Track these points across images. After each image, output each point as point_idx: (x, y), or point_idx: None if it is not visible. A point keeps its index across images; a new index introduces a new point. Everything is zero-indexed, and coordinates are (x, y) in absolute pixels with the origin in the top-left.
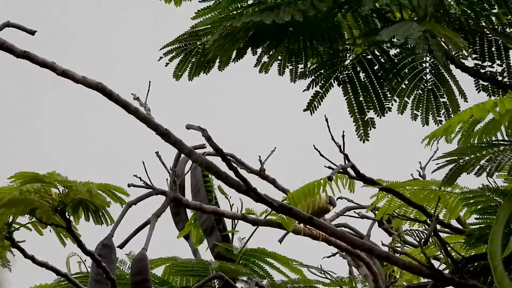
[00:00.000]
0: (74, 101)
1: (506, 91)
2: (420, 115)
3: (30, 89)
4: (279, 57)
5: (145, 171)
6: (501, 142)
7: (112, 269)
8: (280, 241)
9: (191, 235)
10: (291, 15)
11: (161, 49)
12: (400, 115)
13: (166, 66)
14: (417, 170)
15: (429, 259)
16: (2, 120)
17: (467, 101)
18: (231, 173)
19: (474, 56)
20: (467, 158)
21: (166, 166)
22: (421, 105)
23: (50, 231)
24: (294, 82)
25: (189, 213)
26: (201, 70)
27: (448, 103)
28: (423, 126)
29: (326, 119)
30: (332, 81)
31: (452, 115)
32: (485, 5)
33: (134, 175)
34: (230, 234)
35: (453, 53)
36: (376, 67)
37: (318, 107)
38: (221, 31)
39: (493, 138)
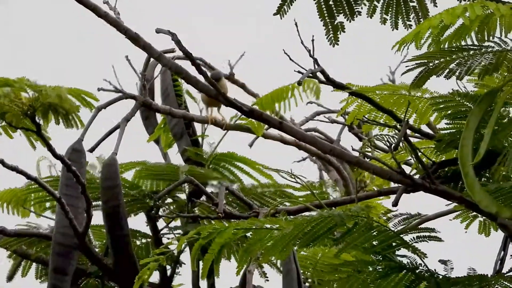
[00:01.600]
0: (45, 5)
1: None
2: (390, 19)
3: None
4: None
5: (115, 75)
6: (471, 47)
7: (82, 173)
8: (250, 145)
9: (161, 139)
10: None
11: None
12: (370, 19)
13: None
14: (386, 75)
15: (399, 164)
16: None
17: (436, 6)
18: (200, 78)
19: None
20: (436, 61)
21: (136, 71)
22: (390, 9)
23: (20, 135)
24: None
25: (159, 117)
26: None
27: (417, 8)
28: (392, 30)
29: (296, 24)
30: None
31: (421, 20)
32: None
33: (103, 80)
34: (200, 139)
35: None
36: None
37: (287, 11)
38: None
39: (463, 43)
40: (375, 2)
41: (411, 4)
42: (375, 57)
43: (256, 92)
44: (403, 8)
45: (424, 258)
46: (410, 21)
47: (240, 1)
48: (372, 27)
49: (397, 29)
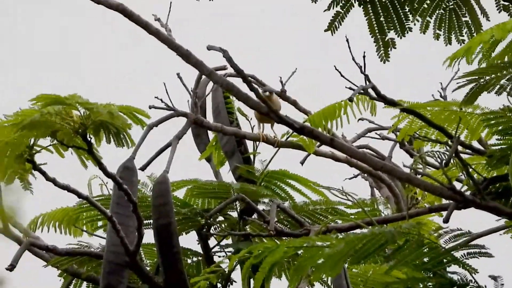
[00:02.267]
0: (96, 25)
1: None
2: (443, 35)
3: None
4: None
5: (166, 92)
6: None
7: (133, 191)
8: (302, 162)
9: (213, 157)
10: None
11: None
12: (422, 36)
13: None
14: (438, 91)
15: (450, 181)
16: (20, 45)
17: (489, 20)
18: (252, 95)
19: None
20: (487, 77)
21: (187, 88)
22: (443, 25)
23: (71, 153)
24: (315, 3)
25: (211, 135)
26: None
27: (470, 22)
28: (446, 45)
29: (347, 40)
30: (353, 1)
31: (474, 34)
32: None
33: (155, 97)
34: (251, 156)
35: None
36: None
37: (339, 27)
38: None
39: None
40: (428, 18)
41: (463, 19)
42: (426, 72)
43: (308, 109)
44: (456, 23)
45: (474, 274)
46: (463, 36)
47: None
48: (423, 42)
49: (450, 44)
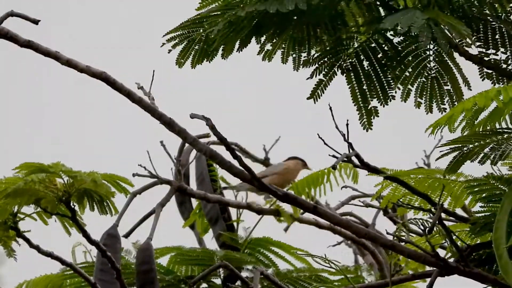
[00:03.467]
0: (76, 92)
1: (510, 79)
2: (424, 103)
3: (33, 80)
4: (283, 45)
5: (150, 160)
6: (505, 130)
7: (117, 258)
8: (285, 230)
9: (196, 225)
10: (294, 3)
11: (164, 35)
12: (404, 104)
13: (168, 53)
14: (421, 159)
15: (433, 248)
16: (5, 112)
17: (470, 89)
18: (235, 162)
19: (478, 44)
20: (471, 146)
21: (171, 156)
22: (424, 93)
23: (55, 221)
24: (297, 71)
25: (194, 202)
26: (204, 58)
27: (452, 91)
28: (427, 113)
29: (330, 108)
30: (336, 69)
31: (456, 103)
32: None
33: (138, 165)
34: (235, 224)
35: (457, 41)
36: (379, 55)
37: (321, 95)
38: (225, 21)
39: (497, 126)
40: (409, 86)
41: (445, 87)
42: (410, 140)
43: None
44: (437, 91)
45: None
46: (445, 104)
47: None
48: (407, 110)
49: (431, 113)
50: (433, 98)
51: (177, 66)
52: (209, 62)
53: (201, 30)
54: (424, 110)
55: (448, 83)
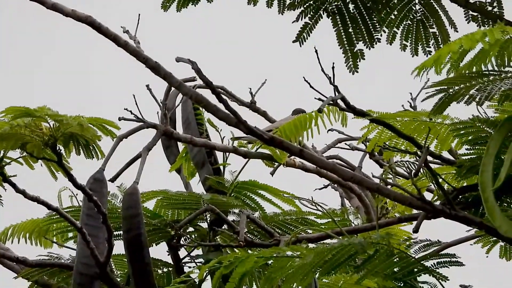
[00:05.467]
0: (65, 36)
1: (495, 21)
2: (410, 46)
3: (19, 24)
4: None
5: (136, 104)
6: (491, 72)
7: (103, 203)
8: (272, 173)
9: (183, 169)
10: None
11: None
12: (390, 46)
13: None
14: (408, 101)
15: (419, 191)
16: None
17: (457, 31)
18: (221, 106)
19: None
20: (456, 87)
21: (157, 100)
22: (410, 36)
23: (41, 165)
24: (282, 14)
25: (181, 146)
26: (190, 1)
27: (437, 34)
28: (412, 56)
29: (316, 51)
30: (321, 13)
31: (442, 46)
32: None
33: (124, 109)
34: (221, 167)
35: None
36: None
37: (307, 38)
38: None
39: (483, 69)
40: (395, 29)
41: (431, 30)
42: (396, 83)
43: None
44: (423, 34)
45: (444, 282)
46: (430, 47)
47: (260, 28)
48: (393, 53)
49: (417, 56)
50: (419, 41)
51: (162, 10)
52: (195, 5)
53: None
54: (410, 53)
55: (434, 26)
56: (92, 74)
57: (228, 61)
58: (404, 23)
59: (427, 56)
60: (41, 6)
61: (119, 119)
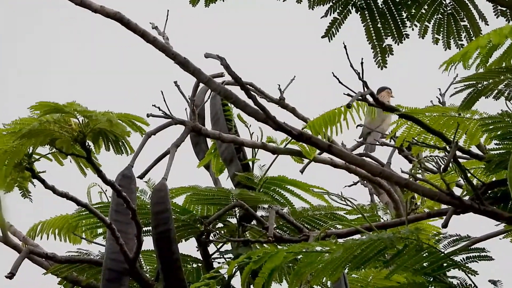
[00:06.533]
0: (91, 32)
1: None
2: (442, 39)
3: (49, 21)
4: None
5: (164, 101)
6: None
7: (132, 199)
8: (302, 171)
9: (211, 165)
10: None
11: None
12: (421, 42)
13: None
14: (436, 97)
15: (448, 186)
16: (21, 53)
17: (488, 25)
18: (250, 102)
19: None
20: (485, 82)
21: (185, 96)
22: (442, 29)
23: (70, 161)
24: (312, 9)
25: (209, 142)
26: None
27: (469, 27)
28: (445, 50)
29: (345, 46)
30: (350, 8)
31: (474, 39)
32: None
33: (153, 105)
34: (250, 163)
35: None
36: None
37: (336, 34)
38: None
39: None
40: (426, 23)
41: (462, 23)
42: (425, 78)
43: (306, 116)
44: (454, 27)
45: (474, 276)
46: (462, 40)
47: (289, 25)
48: (420, 48)
49: (449, 49)
50: (451, 34)
51: (190, 5)
52: (223, 0)
53: None
54: (442, 46)
55: (465, 19)
56: (120, 69)
57: (256, 57)
58: (435, 17)
59: (459, 49)
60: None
61: (148, 115)
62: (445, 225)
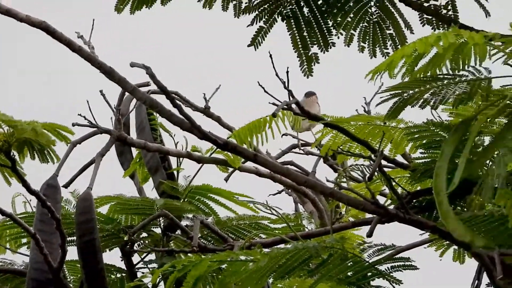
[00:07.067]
0: (18, 41)
1: (449, 24)
2: (367, 47)
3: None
4: None
5: (90, 110)
6: (446, 76)
7: (57, 208)
8: (226, 179)
9: (137, 174)
10: None
11: None
12: (346, 50)
13: None
14: (362, 106)
15: (373, 195)
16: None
17: (413, 33)
18: (175, 111)
19: None
20: (411, 91)
21: (111, 105)
22: (367, 37)
23: None
24: (238, 17)
25: (134, 151)
26: (144, 4)
27: (394, 35)
28: (371, 58)
29: (270, 55)
30: (276, 16)
31: (399, 47)
32: None
33: (78, 114)
34: (175, 172)
35: None
36: (319, 2)
37: (262, 42)
38: None
39: (438, 72)
40: (352, 31)
41: (387, 32)
42: (351, 87)
43: (232, 125)
44: (380, 36)
45: (399, 285)
46: (388, 48)
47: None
48: (348, 57)
49: (375, 57)
50: (376, 42)
51: (116, 13)
52: (148, 8)
53: None
54: (368, 54)
55: (390, 27)
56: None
57: (182, 66)
58: (361, 25)
59: (385, 57)
60: None
61: (73, 124)
62: (369, 234)
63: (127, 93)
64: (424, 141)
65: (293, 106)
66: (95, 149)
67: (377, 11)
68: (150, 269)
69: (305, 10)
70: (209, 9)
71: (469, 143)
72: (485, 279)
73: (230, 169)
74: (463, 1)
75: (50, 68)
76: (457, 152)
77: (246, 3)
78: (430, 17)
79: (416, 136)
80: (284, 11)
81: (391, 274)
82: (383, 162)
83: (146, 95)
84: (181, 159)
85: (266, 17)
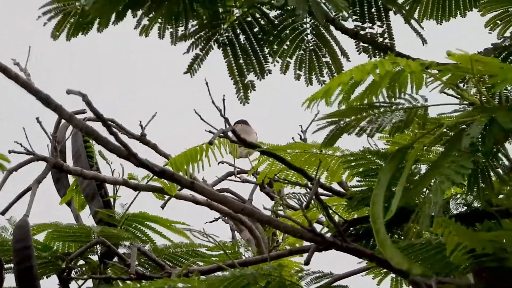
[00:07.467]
0: None
1: (386, 52)
2: (304, 75)
3: None
4: (160, 20)
5: (26, 137)
6: (382, 104)
7: None
8: (162, 206)
9: (73, 201)
10: None
11: (40, 8)
12: (283, 79)
13: (44, 25)
14: (298, 134)
15: (310, 223)
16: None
17: (349, 61)
18: (112, 138)
19: (354, 17)
20: (347, 119)
21: (47, 132)
22: (304, 65)
23: None
24: (175, 45)
25: (71, 179)
26: (80, 31)
27: (331, 63)
28: (307, 86)
29: (207, 83)
30: (212, 44)
31: (336, 75)
32: None
33: (14, 142)
34: (112, 200)
35: (333, 14)
36: (256, 29)
37: (198, 69)
38: None
39: (374, 100)
40: (288, 59)
41: (324, 59)
42: (287, 115)
43: (168, 153)
44: (316, 63)
45: None
46: (324, 76)
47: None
48: (285, 84)
49: (311, 85)
50: (312, 70)
51: (52, 39)
52: (85, 35)
53: (77, 4)
54: (304, 82)
55: (327, 55)
56: None
57: (118, 93)
58: (297, 53)
59: (321, 85)
60: None
61: (9, 152)
62: (307, 262)
63: (63, 120)
64: (361, 169)
65: (229, 133)
66: (31, 176)
67: (313, 39)
68: None
69: (242, 37)
70: (145, 37)
71: (405, 171)
72: None
73: (167, 197)
74: (399, 28)
75: None
76: (394, 180)
77: (182, 31)
78: (366, 45)
79: (353, 164)
80: (221, 39)
81: None
82: (320, 190)
83: (82, 123)
84: (117, 186)
85: (202, 44)
